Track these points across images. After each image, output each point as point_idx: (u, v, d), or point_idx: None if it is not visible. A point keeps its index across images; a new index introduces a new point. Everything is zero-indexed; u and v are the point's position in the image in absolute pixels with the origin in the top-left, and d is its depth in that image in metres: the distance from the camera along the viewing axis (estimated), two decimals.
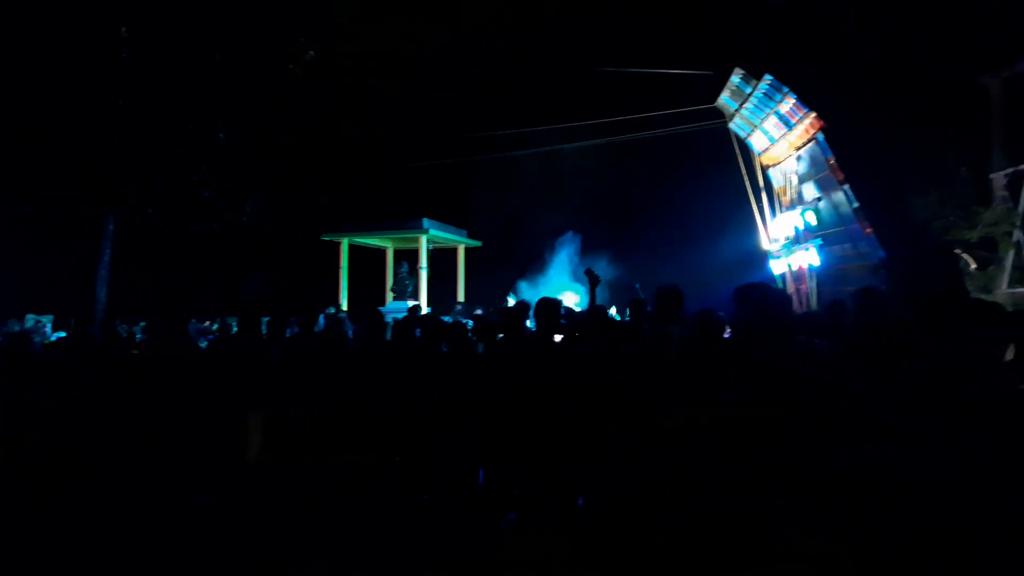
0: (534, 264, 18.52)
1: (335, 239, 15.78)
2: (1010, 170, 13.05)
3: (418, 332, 6.18)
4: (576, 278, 15.59)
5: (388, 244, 17.13)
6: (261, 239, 13.78)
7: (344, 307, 15.02)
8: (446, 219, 16.21)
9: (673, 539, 4.36)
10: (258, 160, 10.13)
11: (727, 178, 16.97)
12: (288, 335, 6.88)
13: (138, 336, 9.63)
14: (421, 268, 15.30)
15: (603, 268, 16.89)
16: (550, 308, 5.51)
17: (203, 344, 8.34)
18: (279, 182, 12.75)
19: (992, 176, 13.48)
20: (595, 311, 5.44)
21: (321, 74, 10.30)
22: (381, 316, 6.21)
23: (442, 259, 16.91)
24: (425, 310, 12.17)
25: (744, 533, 4.02)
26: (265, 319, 6.84)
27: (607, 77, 17.38)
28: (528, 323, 6.22)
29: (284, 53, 8.97)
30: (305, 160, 15.43)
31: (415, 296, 15.13)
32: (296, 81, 9.56)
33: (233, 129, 9.35)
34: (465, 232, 17.11)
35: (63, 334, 10.43)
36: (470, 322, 8.33)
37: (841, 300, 4.93)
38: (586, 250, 17.77)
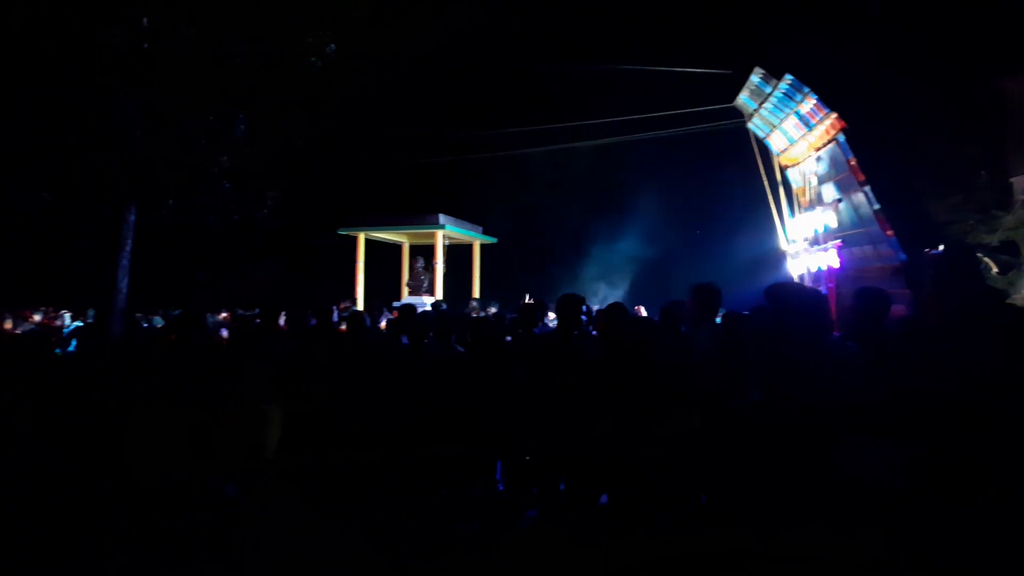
0: (548, 261, 18.55)
1: (352, 233, 15.81)
2: None
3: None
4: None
5: (404, 239, 17.14)
6: (279, 232, 13.82)
7: (360, 301, 15.06)
8: (462, 215, 16.21)
9: (690, 541, 4.35)
10: (277, 153, 10.14)
11: (745, 178, 16.87)
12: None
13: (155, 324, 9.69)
14: (437, 263, 15.30)
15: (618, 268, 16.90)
16: (572, 304, 5.49)
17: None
18: (297, 175, 12.77)
19: (1013, 180, 13.33)
20: (616, 308, 5.40)
21: (340, 68, 10.28)
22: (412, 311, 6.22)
23: (458, 255, 16.90)
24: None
25: (761, 535, 4.00)
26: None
27: (625, 75, 17.32)
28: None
29: (305, 46, 8.96)
30: (323, 154, 15.46)
31: (431, 291, 15.13)
32: (316, 74, 9.55)
33: (253, 121, 9.37)
34: (480, 228, 17.10)
35: (80, 324, 10.52)
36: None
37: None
38: (600, 248, 17.75)
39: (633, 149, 17.94)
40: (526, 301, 10.95)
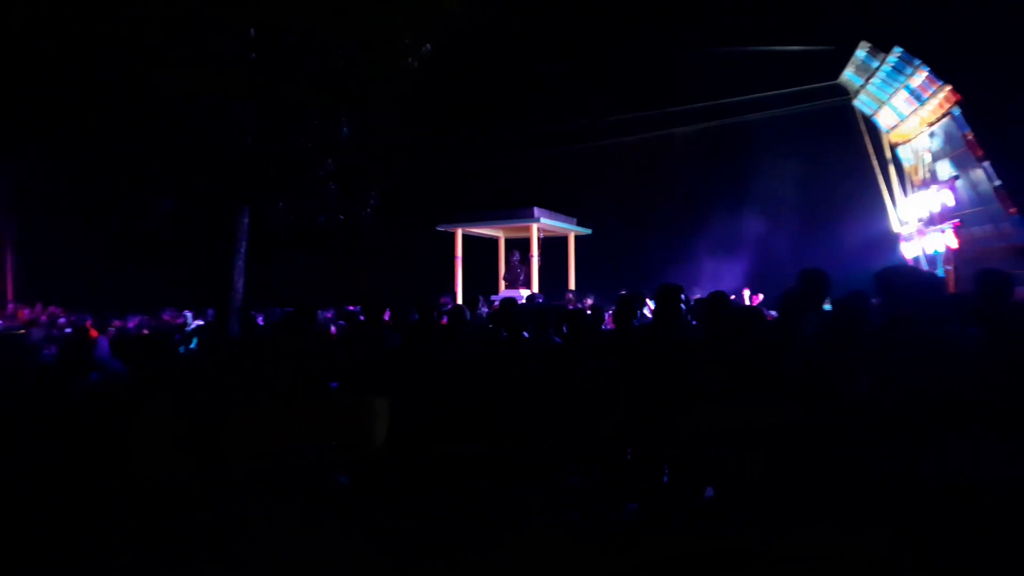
0: (645, 251, 18.30)
1: (449, 229, 16.13)
2: None
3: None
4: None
5: (500, 233, 17.34)
6: (381, 231, 14.27)
7: (458, 296, 15.36)
8: (556, 208, 16.23)
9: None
10: (379, 153, 10.48)
11: (852, 158, 16.15)
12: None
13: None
14: (532, 257, 15.40)
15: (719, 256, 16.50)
16: (670, 294, 5.42)
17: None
18: (397, 174, 13.13)
19: None
20: (717, 297, 5.30)
21: (436, 66, 10.49)
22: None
23: (553, 247, 16.95)
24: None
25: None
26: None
27: (722, 56, 16.85)
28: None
29: (401, 47, 9.19)
30: (422, 152, 15.81)
31: (527, 285, 15.25)
32: (412, 74, 9.78)
33: (355, 123, 9.71)
34: (575, 220, 17.07)
35: (201, 323, 11.20)
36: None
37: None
38: (700, 237, 17.38)
39: (732, 133, 17.48)
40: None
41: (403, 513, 5.01)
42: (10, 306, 14.35)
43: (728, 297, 5.27)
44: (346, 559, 4.28)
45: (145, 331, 10.77)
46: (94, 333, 9.73)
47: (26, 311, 13.03)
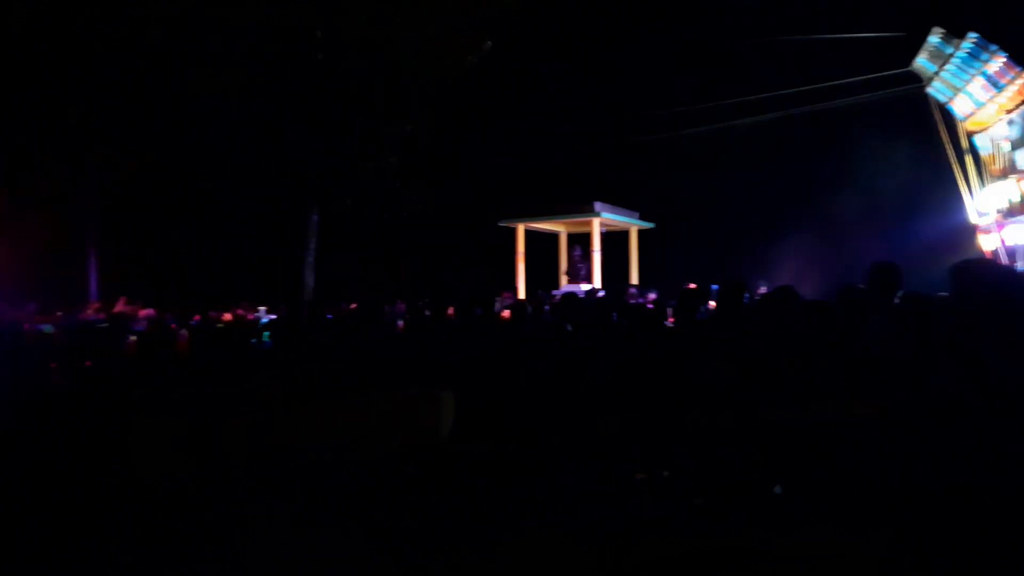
0: (708, 245, 18.05)
1: (510, 225, 16.24)
2: None
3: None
4: None
5: (561, 228, 17.36)
6: (443, 226, 14.50)
7: (520, 291, 15.47)
8: (618, 202, 16.16)
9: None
10: (442, 149, 10.67)
11: (926, 147, 15.58)
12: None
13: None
14: (594, 251, 15.38)
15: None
16: (732, 290, 5.40)
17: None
18: (459, 171, 13.33)
19: None
20: (783, 293, 5.25)
21: (496, 62, 10.60)
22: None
23: (615, 241, 16.87)
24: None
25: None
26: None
27: (789, 45, 16.47)
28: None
29: (463, 46, 9.34)
30: (483, 148, 15.97)
31: (588, 279, 15.25)
32: (472, 70, 9.92)
33: (418, 120, 9.91)
34: (637, 214, 16.95)
35: (273, 317, 11.59)
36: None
37: None
38: (770, 231, 17.05)
39: (801, 123, 17.06)
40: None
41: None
42: (95, 303, 15.10)
43: (795, 292, 5.20)
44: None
45: (220, 326, 11.21)
46: (174, 327, 10.20)
47: (118, 306, 13.68)
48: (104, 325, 10.45)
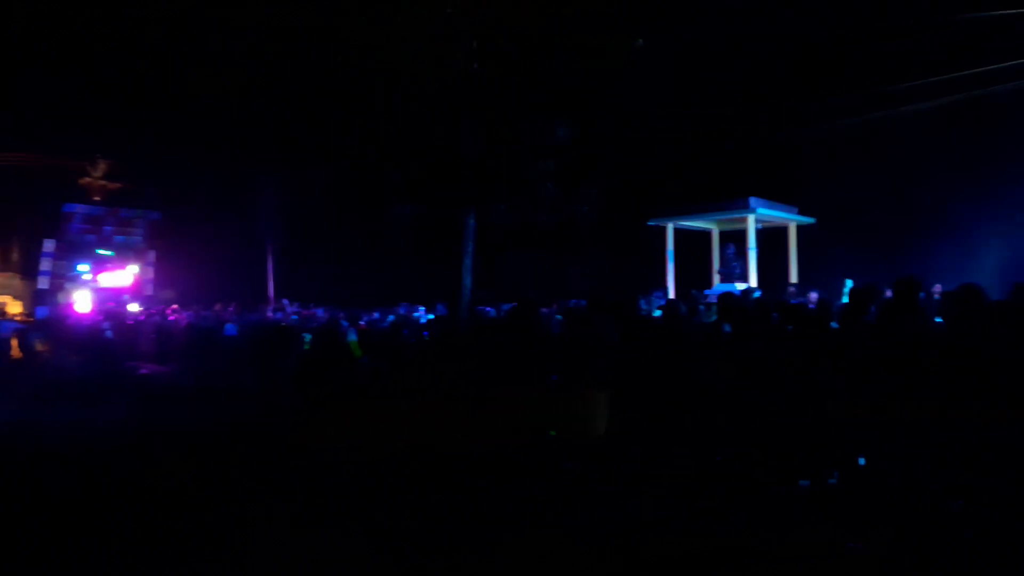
0: (875, 241, 16.92)
1: (661, 224, 16.04)
2: None
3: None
4: None
5: (713, 226, 16.92)
6: (597, 227, 14.59)
7: (671, 290, 15.25)
8: (775, 196, 15.49)
9: None
10: (591, 151, 10.77)
11: None
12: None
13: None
14: (749, 249, 14.87)
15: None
16: (906, 289, 5.11)
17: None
18: (609, 170, 13.36)
19: None
20: (968, 292, 4.89)
21: (644, 61, 10.54)
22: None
23: (771, 238, 16.19)
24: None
25: None
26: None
27: (959, 23, 15.09)
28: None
29: (614, 44, 9.36)
30: (633, 146, 15.89)
31: (743, 278, 14.77)
32: (623, 70, 9.92)
33: (568, 123, 10.06)
34: (796, 209, 16.16)
35: (431, 316, 12.18)
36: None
37: None
38: (942, 227, 15.74)
39: (974, 109, 15.58)
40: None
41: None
42: (282, 302, 16.48)
43: (982, 291, 4.82)
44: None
45: (384, 325, 11.93)
46: (344, 328, 10.96)
47: (291, 306, 14.91)
48: (283, 324, 11.44)
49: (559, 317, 8.70)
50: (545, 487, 5.45)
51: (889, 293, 6.09)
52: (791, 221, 16.28)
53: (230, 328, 13.53)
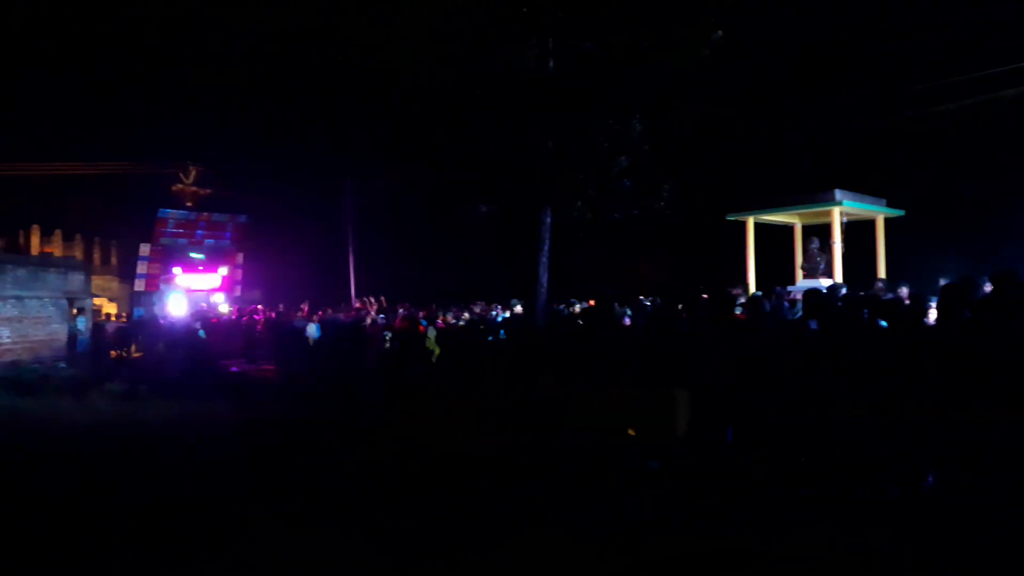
0: (969, 234, 16.08)
1: (740, 218, 15.64)
2: None
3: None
4: None
5: (795, 220, 16.37)
6: (674, 223, 14.36)
7: (751, 286, 14.85)
8: (861, 188, 14.87)
9: None
10: (670, 145, 10.61)
11: None
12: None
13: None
14: (834, 243, 14.31)
15: None
16: (1010, 281, 4.85)
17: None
18: (688, 165, 13.14)
19: None
20: None
21: (724, 53, 10.31)
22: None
23: (858, 232, 15.55)
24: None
25: None
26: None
27: None
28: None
29: (694, 37, 9.20)
30: (711, 140, 15.57)
31: (828, 274, 14.24)
32: (703, 63, 9.73)
33: (646, 118, 9.94)
34: (884, 201, 15.47)
35: (507, 315, 12.26)
36: None
37: None
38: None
39: None
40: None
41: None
42: (366, 302, 16.91)
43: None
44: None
45: (461, 323, 12.07)
46: (422, 328, 11.12)
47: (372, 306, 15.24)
48: (364, 323, 11.73)
49: (629, 313, 8.61)
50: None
51: (988, 288, 5.77)
52: (879, 213, 15.57)
53: (314, 327, 13.97)
